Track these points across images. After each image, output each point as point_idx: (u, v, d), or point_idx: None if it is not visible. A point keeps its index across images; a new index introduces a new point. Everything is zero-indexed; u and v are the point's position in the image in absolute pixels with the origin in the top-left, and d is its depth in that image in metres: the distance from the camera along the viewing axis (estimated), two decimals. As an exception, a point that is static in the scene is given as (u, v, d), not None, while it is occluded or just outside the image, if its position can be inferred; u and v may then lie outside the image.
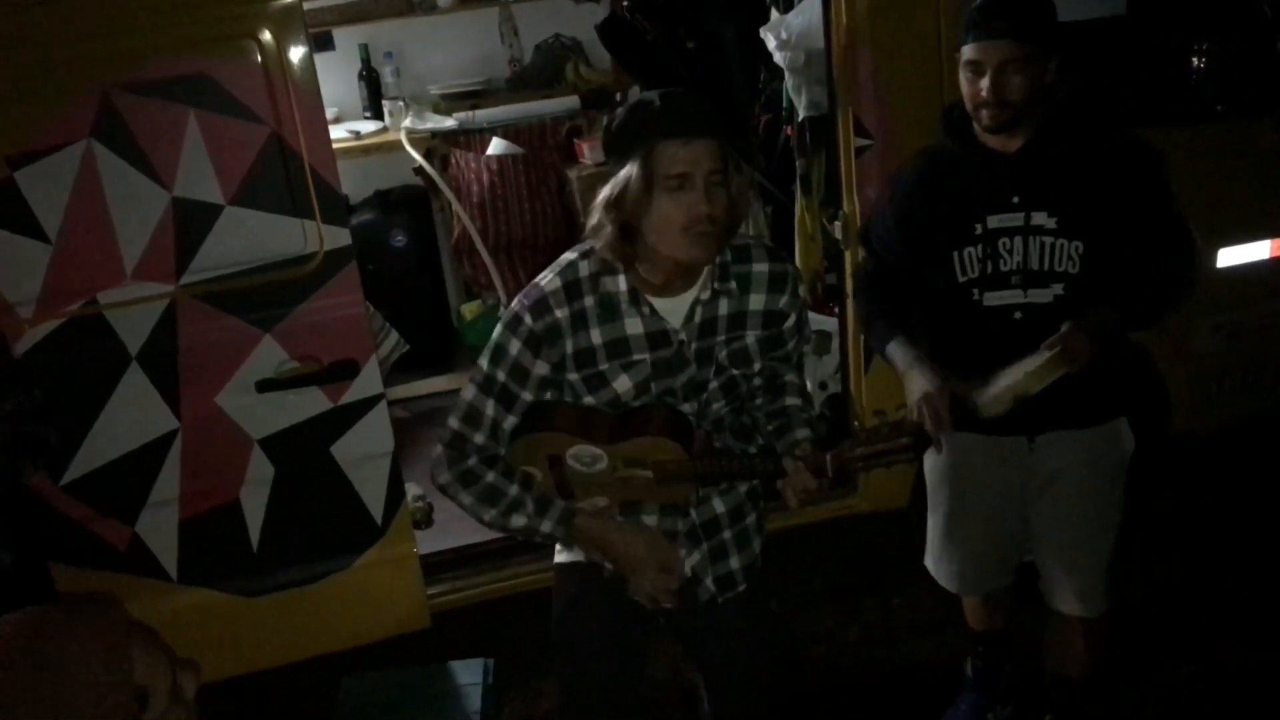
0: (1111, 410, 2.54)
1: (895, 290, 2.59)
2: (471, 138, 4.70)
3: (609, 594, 2.25)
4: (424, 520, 3.57)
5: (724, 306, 2.13)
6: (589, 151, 4.60)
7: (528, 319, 2.09)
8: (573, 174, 4.66)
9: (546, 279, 2.13)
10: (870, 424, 2.18)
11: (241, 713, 3.11)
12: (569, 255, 2.15)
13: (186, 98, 2.74)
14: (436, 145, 4.67)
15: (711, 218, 1.96)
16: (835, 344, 3.70)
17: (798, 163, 3.84)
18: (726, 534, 2.27)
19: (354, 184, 4.60)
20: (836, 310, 3.61)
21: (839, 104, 3.22)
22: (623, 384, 2.11)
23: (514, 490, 2.15)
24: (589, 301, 2.09)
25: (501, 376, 2.12)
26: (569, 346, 2.09)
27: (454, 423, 2.18)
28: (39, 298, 2.77)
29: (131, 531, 2.97)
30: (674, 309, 2.11)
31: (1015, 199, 2.38)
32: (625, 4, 4.69)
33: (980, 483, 2.63)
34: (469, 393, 2.18)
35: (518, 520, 2.14)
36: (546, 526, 2.14)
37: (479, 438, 2.16)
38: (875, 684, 3.26)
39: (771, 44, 3.65)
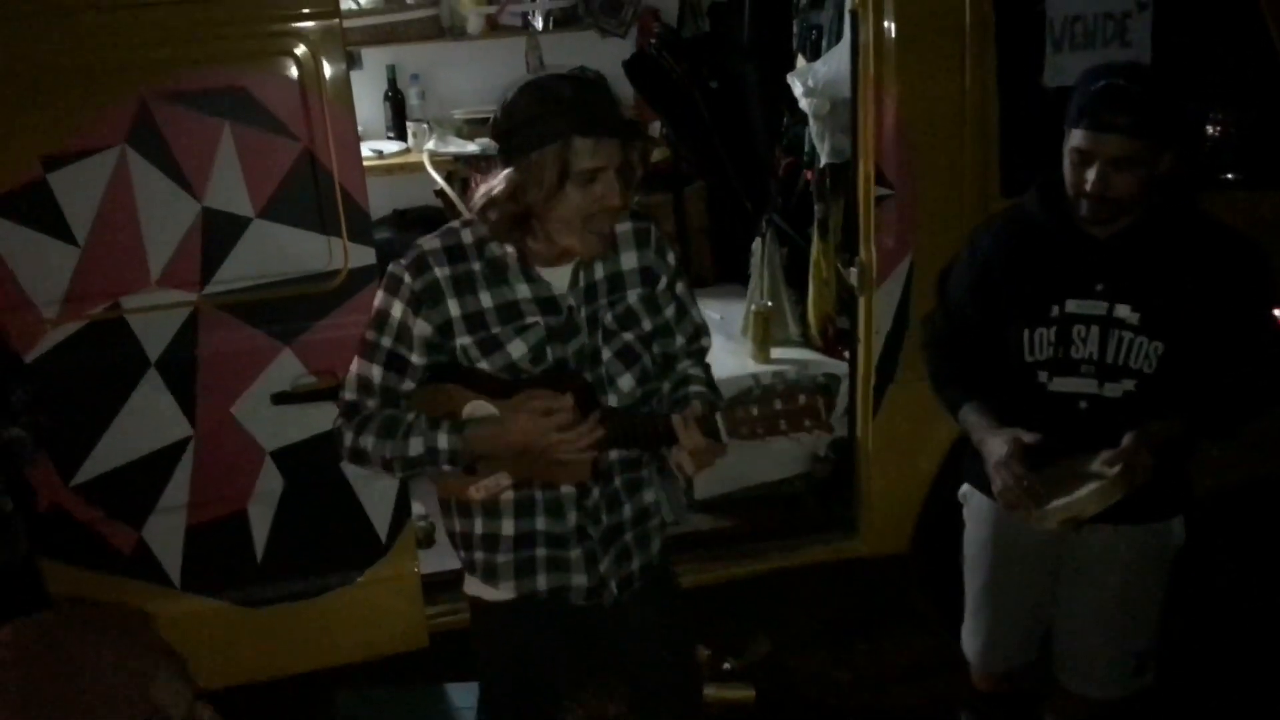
0: (1168, 509, 2.43)
1: (968, 351, 2.50)
2: (493, 163, 4.71)
3: (533, 632, 2.28)
4: (426, 540, 3.59)
5: (600, 270, 2.13)
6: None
7: (406, 278, 2.05)
8: (590, 204, 4.69)
9: (426, 240, 2.10)
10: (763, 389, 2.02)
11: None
12: (452, 223, 2.15)
13: (222, 110, 2.78)
14: (458, 169, 4.70)
15: (624, 206, 2.01)
16: (844, 387, 3.72)
17: (816, 207, 3.89)
18: (629, 536, 2.25)
19: (373, 201, 4.58)
20: (847, 355, 3.64)
21: (861, 153, 3.27)
22: (517, 348, 2.06)
23: (408, 416, 2.08)
24: (475, 265, 2.06)
25: (387, 342, 2.08)
26: (454, 308, 2.05)
27: (346, 394, 2.15)
28: (63, 298, 2.80)
29: (138, 536, 2.99)
30: (559, 275, 2.10)
31: (1099, 287, 2.28)
32: (652, 42, 4.76)
33: (1017, 555, 2.54)
34: (355, 365, 2.14)
35: (415, 444, 2.04)
36: (443, 441, 2.04)
37: (371, 402, 2.12)
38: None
39: (798, 90, 3.70)
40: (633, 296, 2.17)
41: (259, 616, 3.10)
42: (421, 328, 2.06)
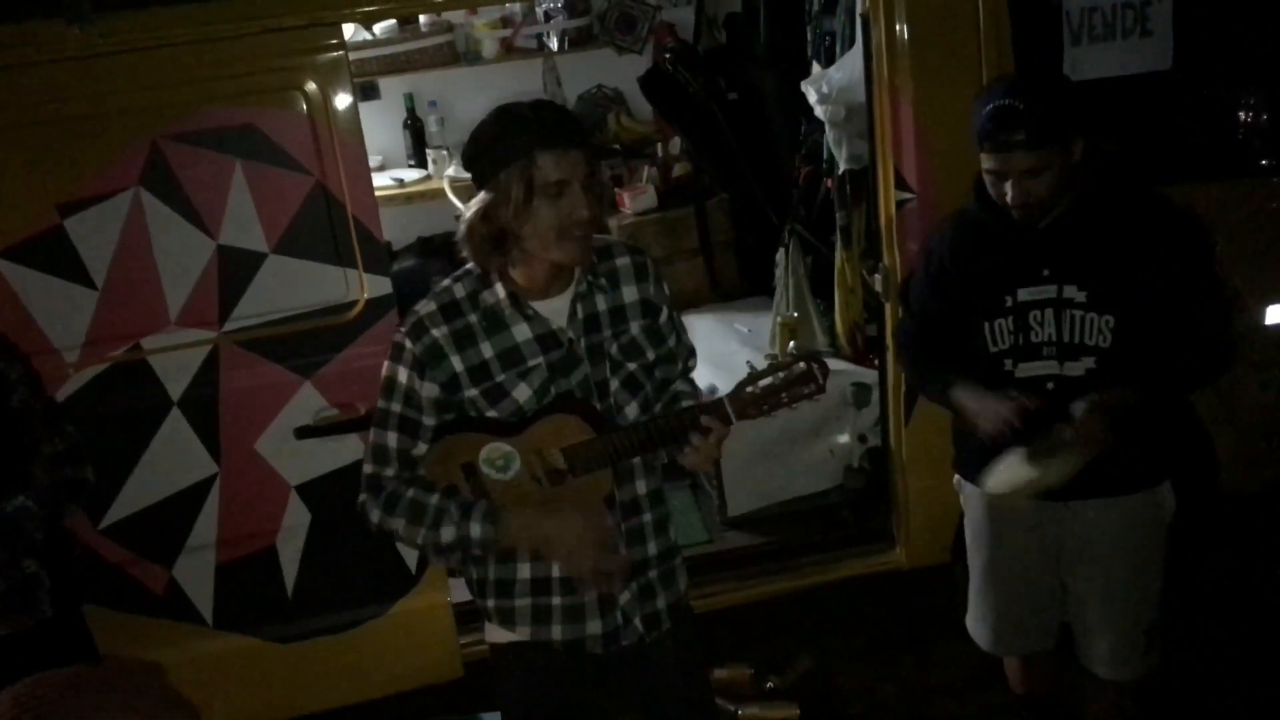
0: (1151, 477, 2.50)
1: (939, 346, 2.58)
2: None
3: (551, 673, 2.27)
4: (456, 568, 3.56)
5: (601, 302, 2.16)
6: (630, 201, 4.62)
7: (408, 344, 2.09)
8: (613, 223, 4.67)
9: (421, 304, 2.14)
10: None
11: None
12: (444, 281, 2.18)
13: (233, 148, 2.80)
14: (479, 193, 4.70)
15: (590, 220, 2.02)
16: (875, 396, 3.66)
17: (838, 215, 3.84)
18: (653, 573, 2.26)
19: (397, 230, 4.65)
20: (877, 362, 3.59)
21: (880, 158, 3.22)
22: (522, 392, 2.09)
23: (435, 500, 2.10)
24: (472, 319, 2.09)
25: (397, 407, 2.11)
26: (457, 364, 2.08)
27: (366, 468, 2.17)
28: (84, 343, 2.82)
29: (169, 575, 3.00)
30: (556, 309, 2.13)
31: (1046, 272, 2.37)
32: (668, 57, 4.74)
33: (1015, 542, 2.59)
34: (372, 435, 2.17)
35: (448, 532, 2.08)
36: (476, 531, 2.07)
37: (390, 471, 2.14)
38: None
39: (813, 98, 3.66)
40: (635, 328, 2.20)
41: (292, 652, 3.10)
42: (429, 389, 2.10)
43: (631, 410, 2.17)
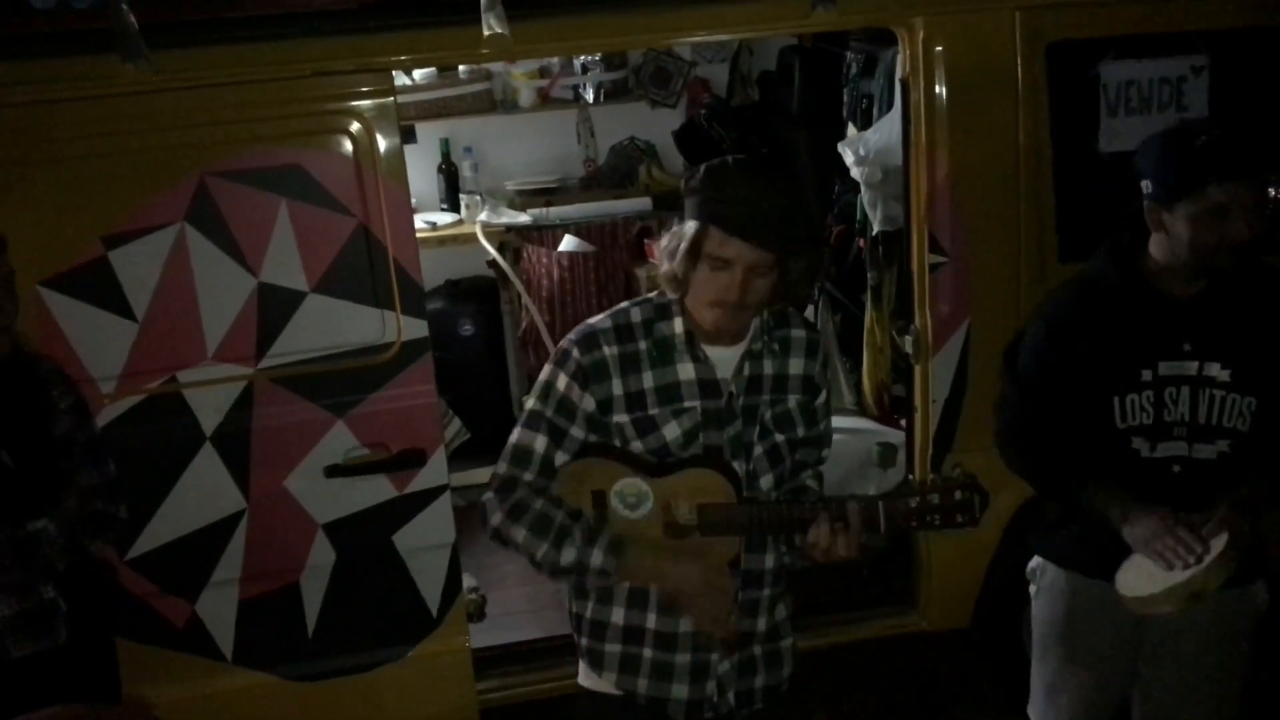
0: (1249, 573, 2.32)
1: (1052, 430, 2.40)
2: (544, 234, 4.77)
3: None
4: (477, 613, 3.55)
5: (768, 366, 2.14)
6: (658, 252, 4.64)
7: (575, 353, 2.08)
8: (641, 273, 4.70)
9: (598, 318, 2.14)
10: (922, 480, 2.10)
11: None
12: (623, 304, 2.18)
13: (279, 187, 2.83)
14: (510, 239, 4.75)
15: (742, 304, 2.00)
16: (900, 457, 3.66)
17: (869, 274, 3.86)
18: (757, 649, 2.19)
19: (426, 272, 4.62)
20: (903, 423, 3.58)
21: (914, 220, 3.24)
22: (672, 430, 2.07)
23: (561, 517, 2.05)
24: (642, 345, 2.09)
25: (549, 412, 2.09)
26: (617, 387, 2.07)
27: (503, 467, 2.13)
28: (121, 374, 2.84)
29: (191, 610, 2.99)
30: (725, 359, 2.11)
31: (1187, 347, 2.26)
32: (702, 111, 4.80)
33: (1092, 631, 2.47)
34: (516, 434, 2.14)
35: (568, 554, 2.03)
36: (596, 559, 2.02)
37: (529, 475, 2.10)
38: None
39: (849, 159, 3.70)
40: (793, 401, 2.17)
41: (309, 691, 3.08)
42: (588, 403, 2.07)
43: (766, 482, 2.13)
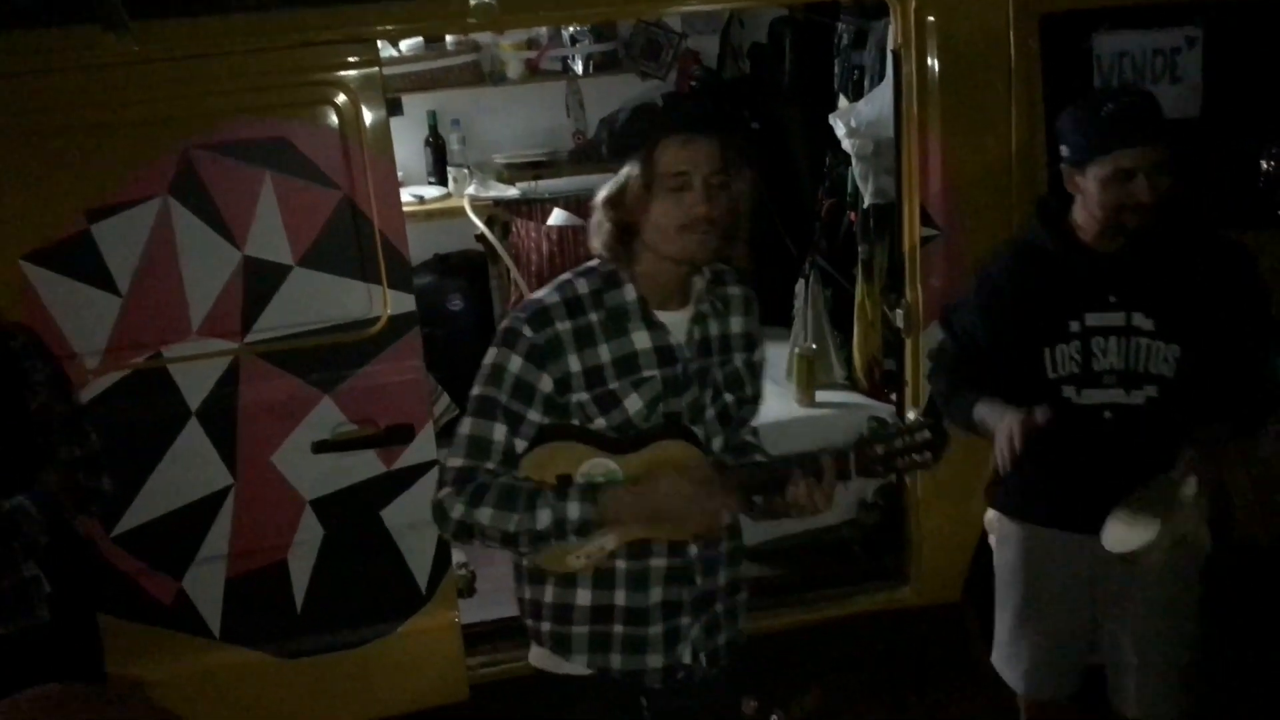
0: None
1: (976, 372, 2.55)
2: (533, 207, 4.73)
3: (602, 711, 2.16)
4: (466, 589, 3.54)
5: (714, 327, 2.10)
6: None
7: (527, 331, 1.97)
8: (631, 247, 4.68)
9: (544, 293, 2.04)
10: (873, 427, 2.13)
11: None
12: (564, 276, 2.09)
13: (264, 159, 2.80)
14: (498, 213, 4.71)
15: (709, 219, 1.93)
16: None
17: (860, 248, 3.84)
18: (719, 607, 2.17)
19: (414, 247, 4.58)
20: (894, 397, 3.58)
21: (906, 193, 3.22)
22: (634, 403, 2.00)
23: (528, 485, 1.97)
24: (594, 317, 2.00)
25: (504, 397, 1.98)
26: (574, 364, 1.98)
27: (456, 460, 2.01)
28: (105, 349, 2.81)
29: (178, 586, 2.97)
30: (676, 323, 2.05)
31: (1113, 298, 2.38)
32: (693, 84, 4.75)
33: (1050, 578, 2.58)
34: (468, 425, 2.01)
35: (544, 515, 1.93)
36: (574, 511, 1.93)
37: (489, 464, 2.00)
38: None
39: (840, 131, 3.67)
40: (739, 360, 2.14)
41: (298, 668, 3.07)
42: (545, 383, 1.98)
43: (718, 444, 2.10)
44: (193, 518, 2.92)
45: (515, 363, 1.98)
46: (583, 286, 2.04)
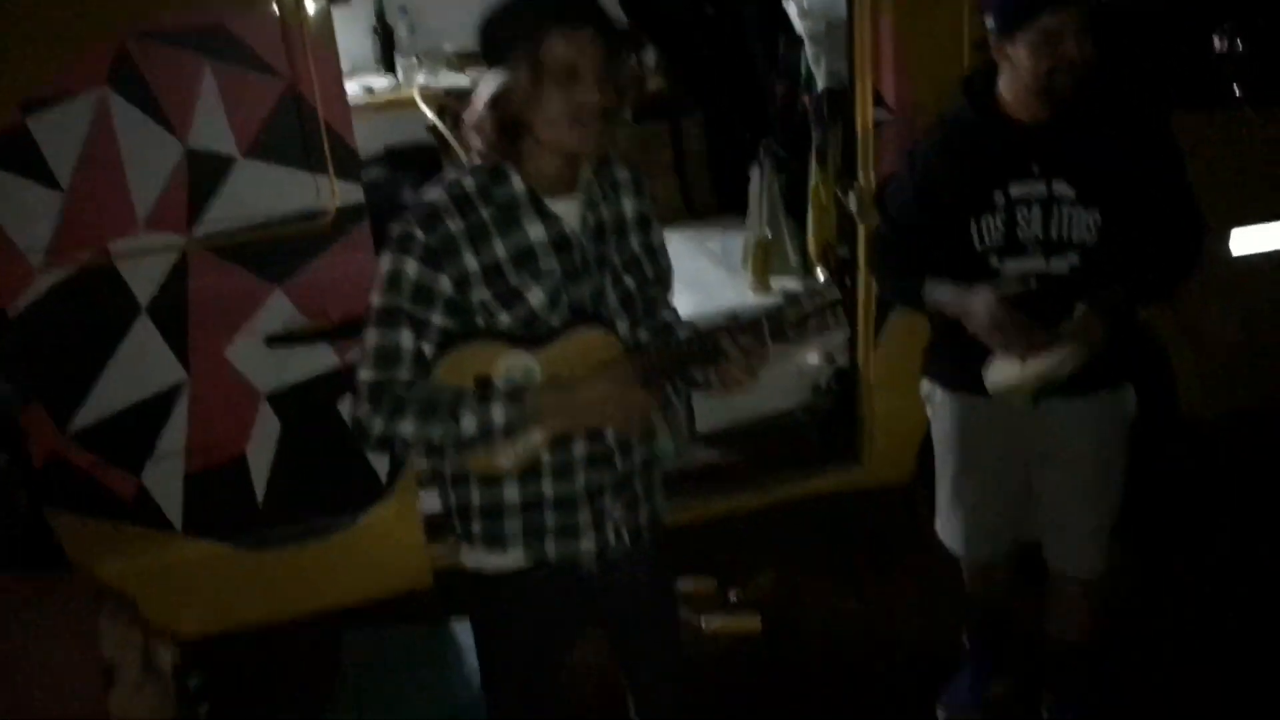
0: (1114, 377, 2.58)
1: (916, 256, 2.59)
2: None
3: (540, 602, 2.19)
4: (427, 479, 3.58)
5: (606, 212, 2.07)
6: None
7: (419, 234, 1.92)
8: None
9: (429, 192, 1.98)
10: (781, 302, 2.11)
11: (244, 666, 3.13)
12: (447, 175, 2.04)
13: (203, 48, 2.73)
14: (450, 103, 4.62)
15: (601, 109, 1.90)
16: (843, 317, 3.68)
17: (814, 133, 3.82)
18: (638, 485, 2.18)
19: (364, 140, 4.52)
20: (849, 282, 3.60)
21: (858, 76, 3.19)
22: (536, 296, 1.96)
23: (448, 393, 1.94)
24: (485, 213, 1.95)
25: (405, 303, 1.93)
26: (471, 263, 1.94)
27: (367, 375, 1.97)
28: (49, 245, 2.76)
29: (138, 482, 2.98)
30: (567, 212, 2.02)
31: (1035, 168, 2.41)
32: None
33: (984, 445, 2.66)
34: (373, 336, 1.97)
35: (468, 422, 1.91)
36: (499, 415, 1.91)
37: (402, 374, 1.95)
38: (875, 658, 3.26)
39: (793, 11, 3.63)
40: (635, 242, 2.11)
41: (262, 559, 3.12)
42: (444, 285, 1.94)
43: (623, 328, 2.07)
44: (148, 413, 2.93)
45: (411, 267, 1.94)
46: (469, 183, 1.99)
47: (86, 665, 0.94)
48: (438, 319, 1.96)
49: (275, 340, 2.92)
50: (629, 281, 2.09)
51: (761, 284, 3.97)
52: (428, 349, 1.97)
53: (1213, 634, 3.21)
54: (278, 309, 2.91)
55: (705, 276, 3.98)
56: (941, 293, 2.49)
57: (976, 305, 2.40)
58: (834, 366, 3.83)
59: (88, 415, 2.89)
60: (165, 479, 3.01)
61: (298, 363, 2.97)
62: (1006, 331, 2.36)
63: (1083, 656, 2.84)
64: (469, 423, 1.92)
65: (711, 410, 3.86)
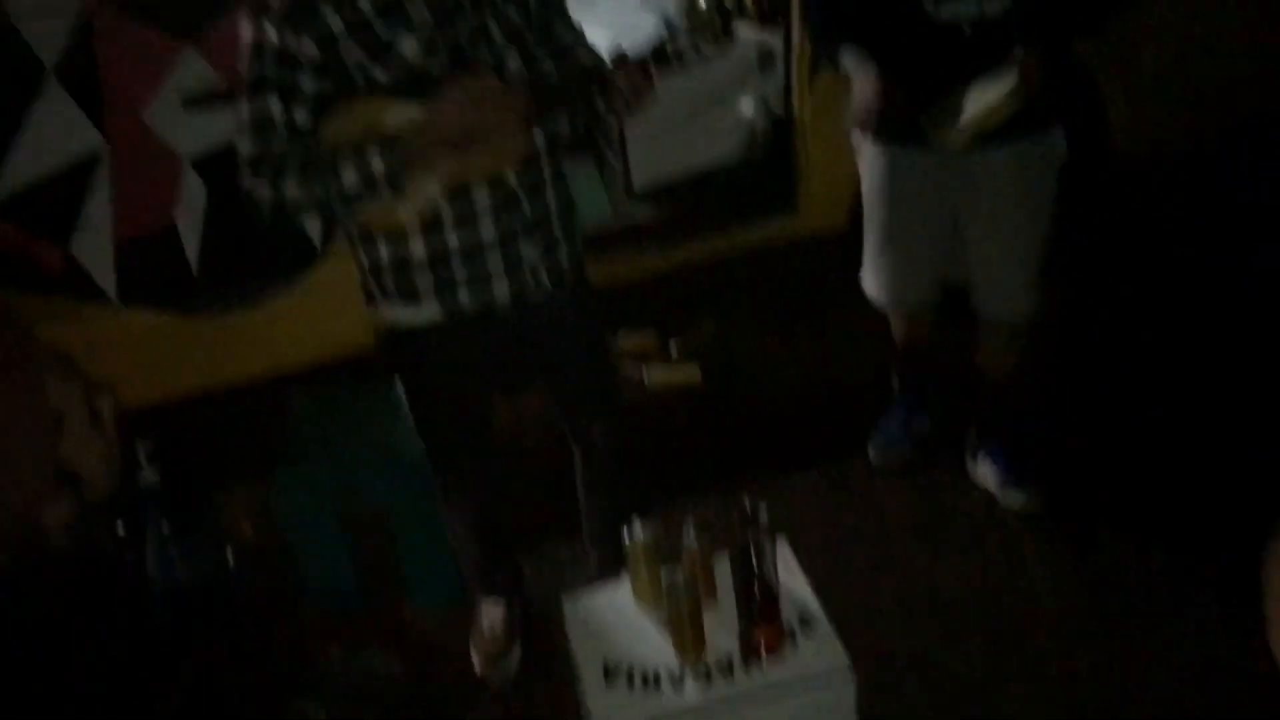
0: (1044, 119, 2.53)
1: (847, 6, 2.53)
2: None
3: (458, 350, 2.20)
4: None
5: None
6: None
7: None
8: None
9: None
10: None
11: (192, 428, 3.16)
12: None
13: None
14: None
15: None
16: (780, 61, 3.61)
17: None
18: (557, 228, 2.17)
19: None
20: (781, 23, 3.51)
21: None
22: (409, 45, 1.92)
23: (326, 152, 1.91)
24: None
25: (270, 71, 1.89)
26: (334, 21, 1.88)
27: (245, 148, 1.93)
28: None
29: (64, 253, 2.94)
30: None
31: None
32: None
33: (914, 192, 2.66)
34: (245, 110, 1.92)
35: (349, 175, 1.88)
36: (378, 163, 1.88)
37: (277, 145, 1.91)
38: (810, 401, 3.36)
39: None
40: None
41: (202, 325, 3.12)
42: (306, 46, 1.87)
43: (514, 63, 2.01)
44: (67, 182, 2.86)
45: (271, 32, 1.88)
46: None
47: (38, 414, 0.94)
48: (308, 84, 1.90)
49: (191, 102, 2.82)
50: (511, 12, 2.02)
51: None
52: (301, 116, 1.92)
53: (1139, 369, 3.30)
54: (191, 68, 2.81)
55: (636, 20, 3.84)
56: (850, 58, 2.47)
57: (861, 81, 2.41)
58: (771, 118, 3.78)
59: (4, 187, 2.81)
60: (94, 249, 2.97)
61: (219, 126, 2.87)
62: (869, 120, 2.42)
63: (1008, 394, 2.91)
64: (349, 175, 1.89)
65: (648, 164, 3.83)
